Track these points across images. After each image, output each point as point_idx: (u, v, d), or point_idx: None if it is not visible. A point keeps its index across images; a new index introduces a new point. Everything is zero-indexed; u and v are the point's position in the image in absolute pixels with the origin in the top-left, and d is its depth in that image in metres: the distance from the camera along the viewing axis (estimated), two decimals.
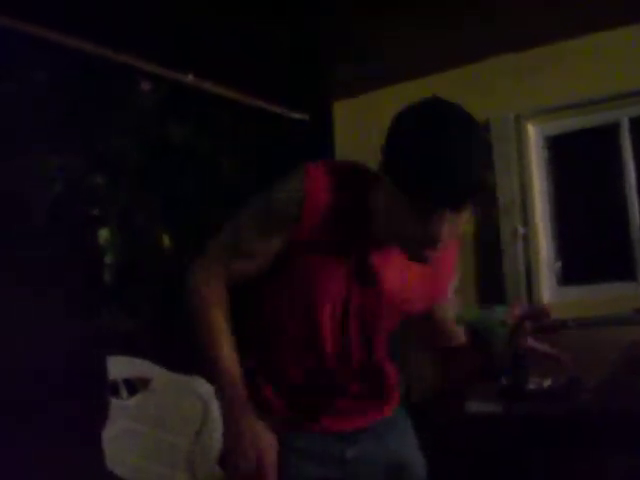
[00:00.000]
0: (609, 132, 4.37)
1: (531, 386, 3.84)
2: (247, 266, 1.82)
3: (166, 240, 4.17)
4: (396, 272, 1.82)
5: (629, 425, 3.50)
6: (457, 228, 1.67)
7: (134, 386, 3.37)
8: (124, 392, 3.32)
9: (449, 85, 4.25)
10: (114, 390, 3.30)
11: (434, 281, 1.91)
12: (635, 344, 3.90)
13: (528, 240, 4.39)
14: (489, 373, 1.85)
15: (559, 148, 4.56)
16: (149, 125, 4.32)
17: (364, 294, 1.82)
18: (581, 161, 4.53)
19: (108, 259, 4.05)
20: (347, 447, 1.90)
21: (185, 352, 4.28)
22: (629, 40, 4.16)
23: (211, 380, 1.80)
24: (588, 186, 4.47)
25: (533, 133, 4.54)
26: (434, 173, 1.56)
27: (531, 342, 1.71)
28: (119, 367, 3.33)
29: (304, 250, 1.77)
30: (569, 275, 4.37)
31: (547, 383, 3.85)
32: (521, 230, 4.37)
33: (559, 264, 4.41)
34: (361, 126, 5.00)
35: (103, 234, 3.99)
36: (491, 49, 4.45)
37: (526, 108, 4.44)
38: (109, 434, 3.20)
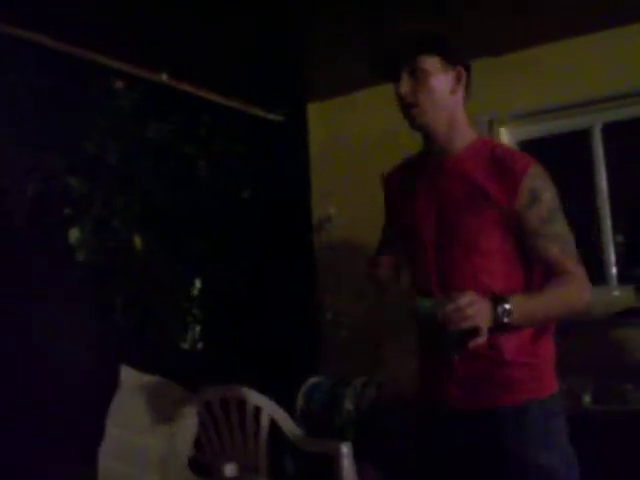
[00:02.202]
0: (582, 137, 4.40)
1: None
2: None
3: (138, 242, 4.14)
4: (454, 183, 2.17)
5: (601, 427, 3.54)
6: (421, 81, 2.11)
7: None
8: None
9: None
10: None
11: (497, 182, 2.10)
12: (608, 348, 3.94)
13: None
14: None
15: (532, 153, 4.56)
16: (125, 125, 4.30)
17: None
18: (554, 166, 4.52)
19: (79, 258, 4.02)
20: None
21: (157, 353, 4.29)
22: (602, 46, 4.18)
23: None
24: (560, 191, 4.48)
25: (506, 138, 4.56)
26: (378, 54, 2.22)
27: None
28: None
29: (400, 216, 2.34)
30: None
31: None
32: None
33: None
34: (335, 127, 5.02)
35: (74, 233, 3.97)
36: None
37: (499, 113, 4.46)
38: None
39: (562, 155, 4.52)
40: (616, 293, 4.22)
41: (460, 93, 2.20)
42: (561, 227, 2.12)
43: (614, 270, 4.25)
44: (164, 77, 4.35)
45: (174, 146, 4.44)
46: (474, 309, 1.83)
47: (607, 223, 4.28)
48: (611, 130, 4.34)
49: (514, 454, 2.05)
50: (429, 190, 2.21)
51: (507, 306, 1.90)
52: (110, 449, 3.21)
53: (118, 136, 4.15)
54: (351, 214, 4.85)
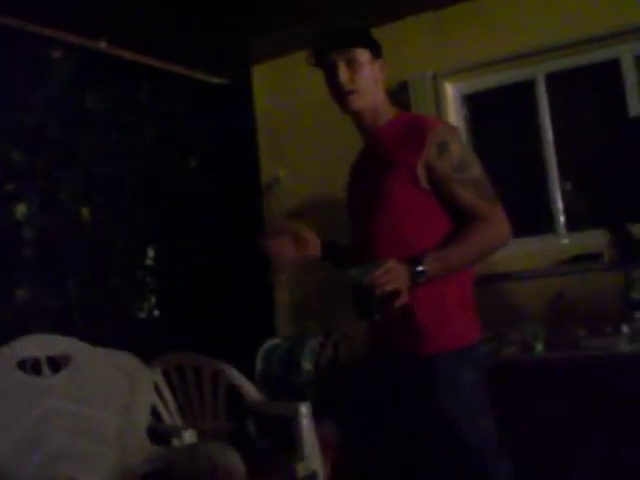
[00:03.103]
0: (525, 88, 4.41)
1: None
2: None
3: (85, 213, 4.10)
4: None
5: (554, 375, 3.60)
6: (356, 70, 2.35)
7: (57, 364, 3.30)
8: (47, 370, 3.25)
9: None
10: (36, 369, 3.23)
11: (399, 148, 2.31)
12: (559, 296, 3.99)
13: None
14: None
15: (477, 105, 4.60)
16: (65, 96, 4.22)
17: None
18: (499, 118, 4.58)
19: (27, 234, 3.97)
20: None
21: (112, 324, 4.26)
22: None
23: None
24: (507, 142, 4.52)
25: (451, 91, 4.56)
26: (315, 44, 2.42)
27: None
28: (40, 345, 3.26)
29: None
30: None
31: None
32: None
33: None
34: (280, 88, 4.98)
35: (20, 209, 3.91)
36: (407, 8, 4.44)
37: (443, 66, 4.45)
38: (34, 416, 3.14)
39: (507, 107, 4.54)
40: (565, 241, 4.27)
41: (381, 81, 2.45)
42: (475, 172, 2.28)
43: (562, 218, 4.29)
44: (102, 44, 4.27)
45: (116, 115, 4.38)
46: (395, 273, 2.07)
47: (554, 172, 4.31)
48: (554, 80, 4.36)
49: (420, 401, 2.27)
50: (362, 164, 2.52)
51: (420, 268, 2.13)
52: (66, 426, 3.19)
53: (58, 107, 4.07)
54: (300, 176, 4.83)
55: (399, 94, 4.35)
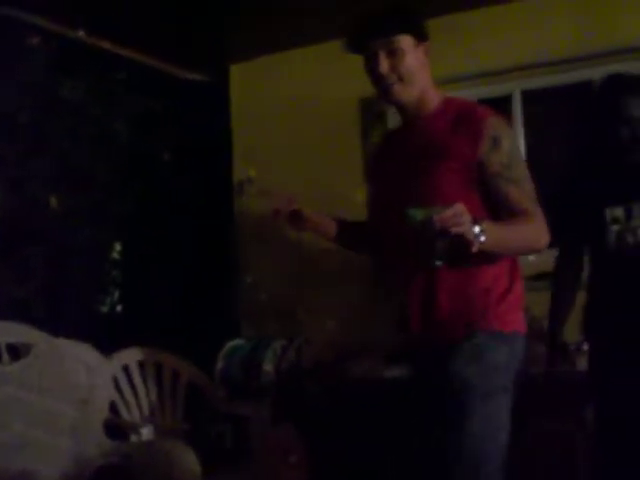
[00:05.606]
0: (502, 104, 4.44)
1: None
2: None
3: (53, 202, 4.05)
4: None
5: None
6: (399, 59, 2.24)
7: (17, 352, 3.27)
8: (6, 358, 3.22)
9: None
10: None
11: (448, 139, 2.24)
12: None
13: None
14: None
15: None
16: (40, 83, 4.17)
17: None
18: None
19: None
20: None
21: (74, 316, 4.22)
22: (524, 14, 4.22)
23: None
24: None
25: None
26: (353, 32, 2.32)
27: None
28: (1, 331, 3.23)
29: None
30: None
31: None
32: None
33: None
34: (257, 89, 4.97)
35: None
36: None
37: None
38: None
39: None
40: (531, 258, 4.29)
41: (427, 66, 2.34)
42: (521, 172, 2.25)
43: None
44: (81, 33, 4.23)
45: (90, 105, 4.34)
46: (466, 217, 1.94)
47: None
48: (531, 98, 4.39)
49: (443, 368, 2.22)
50: (402, 151, 2.37)
51: (482, 226, 1.99)
52: (23, 414, 3.16)
53: (32, 94, 4.03)
54: (272, 177, 4.82)
55: (374, 102, 4.36)
